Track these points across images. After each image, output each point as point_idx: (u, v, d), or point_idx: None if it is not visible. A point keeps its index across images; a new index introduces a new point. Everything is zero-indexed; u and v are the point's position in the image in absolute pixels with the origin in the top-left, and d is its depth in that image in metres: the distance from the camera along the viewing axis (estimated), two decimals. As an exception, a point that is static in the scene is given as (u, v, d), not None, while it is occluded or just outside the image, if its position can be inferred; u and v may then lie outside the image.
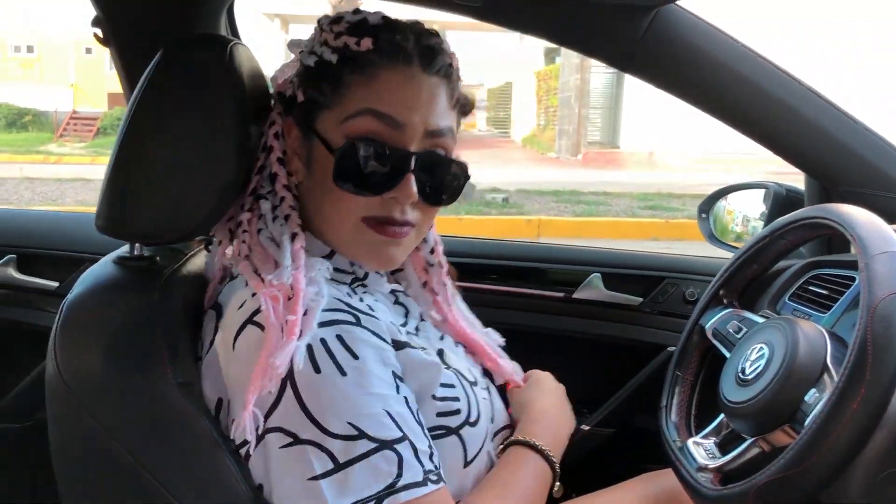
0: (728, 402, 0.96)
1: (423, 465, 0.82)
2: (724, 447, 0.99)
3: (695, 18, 1.23)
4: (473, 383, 0.99)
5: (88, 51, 21.84)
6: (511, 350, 1.17)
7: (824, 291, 1.13)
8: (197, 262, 1.04)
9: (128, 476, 0.85)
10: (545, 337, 1.63)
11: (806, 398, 0.87)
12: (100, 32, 1.25)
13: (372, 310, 0.91)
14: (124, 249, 0.99)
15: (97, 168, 11.38)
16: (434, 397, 0.91)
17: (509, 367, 1.13)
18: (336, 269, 0.94)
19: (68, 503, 0.92)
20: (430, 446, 0.85)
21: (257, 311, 0.83)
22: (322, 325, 0.82)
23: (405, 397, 0.86)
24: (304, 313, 0.82)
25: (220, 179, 0.90)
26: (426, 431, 0.86)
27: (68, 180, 10.17)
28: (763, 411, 0.90)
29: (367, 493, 0.78)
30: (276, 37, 15.28)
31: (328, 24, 0.93)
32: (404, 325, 0.99)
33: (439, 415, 0.91)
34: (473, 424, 0.94)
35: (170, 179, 0.90)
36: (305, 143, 0.93)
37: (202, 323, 0.94)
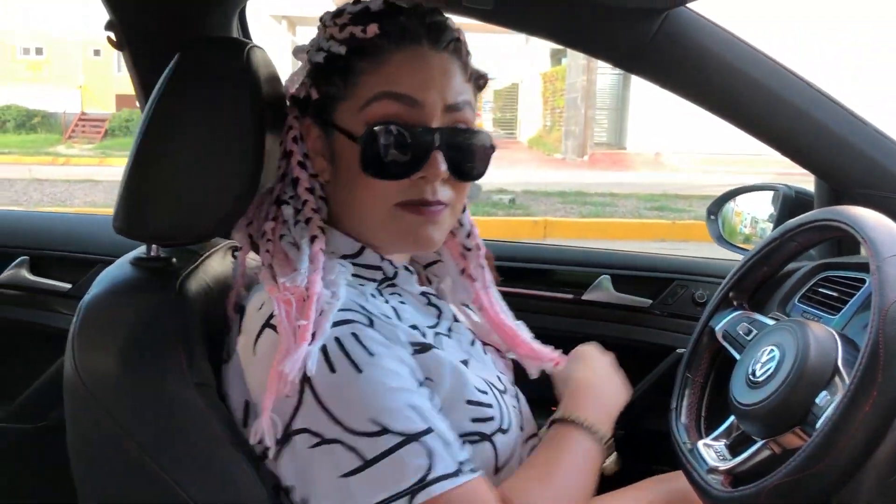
0: (738, 404, 0.96)
1: (454, 456, 0.81)
2: (734, 449, 0.99)
3: (705, 21, 1.23)
4: (503, 391, 0.97)
5: (97, 52, 21.91)
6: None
7: (834, 293, 1.13)
8: (213, 263, 1.05)
9: (144, 475, 0.86)
10: (554, 339, 1.62)
11: (817, 400, 0.87)
12: (113, 36, 1.26)
13: (396, 313, 0.91)
14: (140, 251, 1.00)
15: (105, 169, 11.45)
16: (468, 402, 0.89)
17: (546, 350, 1.11)
18: (364, 267, 0.93)
19: (85, 501, 0.93)
20: (456, 440, 0.84)
21: (273, 315, 0.83)
22: (336, 324, 0.81)
23: (427, 395, 0.85)
24: (320, 314, 0.81)
25: (237, 182, 0.91)
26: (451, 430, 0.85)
27: (77, 182, 10.22)
28: (774, 413, 0.90)
29: (399, 489, 0.77)
30: (283, 38, 15.30)
31: (331, 19, 0.93)
32: (435, 326, 0.98)
33: (474, 420, 0.89)
34: (505, 432, 0.92)
35: (187, 182, 0.91)
36: (327, 139, 0.93)
37: (218, 323, 0.95)
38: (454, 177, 0.91)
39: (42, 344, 1.58)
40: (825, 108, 1.27)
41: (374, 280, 0.95)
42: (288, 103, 0.98)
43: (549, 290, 1.65)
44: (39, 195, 9.22)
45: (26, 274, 1.63)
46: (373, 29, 0.89)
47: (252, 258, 0.99)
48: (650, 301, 1.61)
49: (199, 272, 1.00)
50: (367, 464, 0.77)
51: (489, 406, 0.91)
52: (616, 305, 1.61)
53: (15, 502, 1.65)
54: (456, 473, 0.79)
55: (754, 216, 1.60)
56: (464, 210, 1.04)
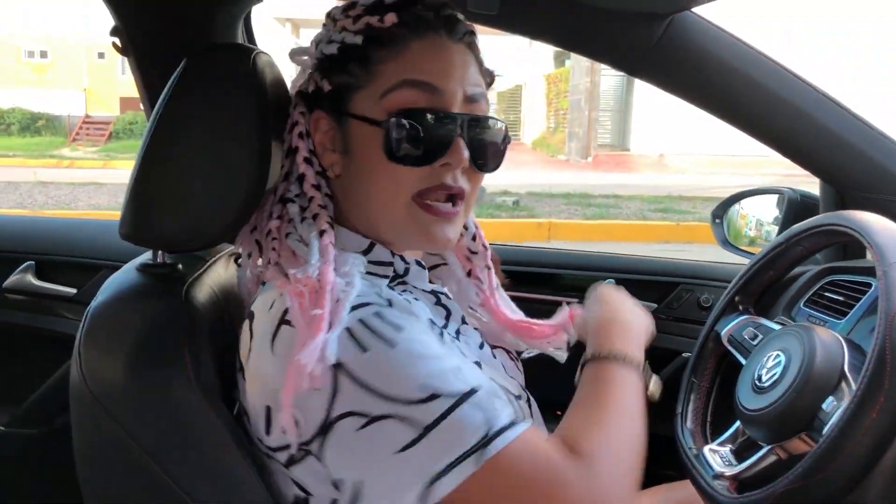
0: (744, 410, 0.96)
1: (505, 408, 0.79)
2: (740, 454, 0.99)
3: (709, 25, 1.23)
4: (518, 397, 0.96)
5: (101, 55, 21.98)
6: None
7: (840, 297, 1.13)
8: (218, 269, 1.05)
9: (149, 480, 0.86)
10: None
11: (823, 406, 0.86)
12: (118, 42, 1.26)
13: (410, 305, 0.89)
14: (147, 256, 1.00)
15: (109, 172, 11.48)
16: None
17: (558, 318, 1.10)
18: (375, 263, 0.92)
19: None
20: (500, 391, 0.82)
21: (287, 310, 0.81)
22: (355, 308, 0.79)
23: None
24: (336, 302, 0.79)
25: (244, 187, 0.91)
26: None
27: (81, 184, 10.25)
28: (780, 419, 0.90)
29: (463, 450, 0.74)
30: (287, 41, 15.33)
31: (341, 13, 0.92)
32: (445, 327, 0.96)
33: None
34: None
35: (194, 188, 0.91)
36: (340, 129, 0.91)
37: (224, 329, 0.94)
38: (473, 166, 0.90)
39: (48, 349, 1.58)
40: (830, 111, 1.27)
41: (385, 276, 0.93)
42: (293, 100, 0.97)
43: (553, 293, 1.65)
44: (44, 198, 9.25)
45: (32, 279, 1.63)
46: (391, 18, 0.88)
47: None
48: (655, 305, 1.61)
49: (205, 278, 1.00)
50: (426, 431, 0.74)
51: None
52: (621, 309, 1.61)
53: (22, 505, 1.65)
54: (512, 425, 0.77)
55: (759, 219, 1.60)
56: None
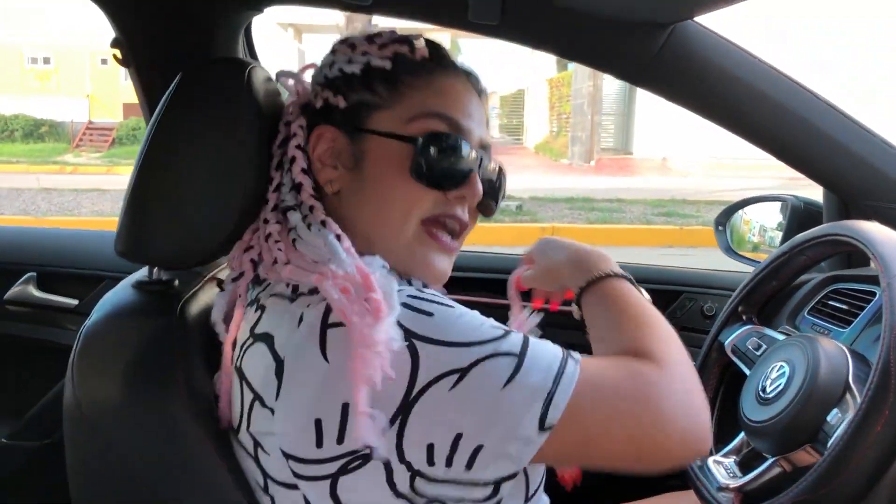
0: (749, 421, 0.96)
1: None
2: (744, 466, 0.99)
3: (711, 34, 1.22)
4: None
5: (104, 62, 22.02)
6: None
7: (844, 306, 1.12)
8: (214, 285, 1.05)
9: (143, 499, 0.86)
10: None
11: (828, 418, 0.86)
12: (119, 53, 1.26)
13: None
14: (142, 273, 1.00)
15: (113, 178, 11.51)
16: None
17: (510, 293, 1.12)
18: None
19: None
20: None
21: (327, 315, 0.77)
22: (401, 293, 0.77)
23: None
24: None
25: (239, 204, 0.90)
26: None
27: (84, 190, 10.27)
28: (785, 431, 0.89)
29: (556, 368, 0.74)
30: (289, 46, 15.38)
31: (364, 41, 0.93)
32: None
33: None
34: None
35: (189, 204, 0.90)
36: (351, 145, 0.90)
37: (219, 347, 0.90)
38: (477, 207, 0.93)
39: (49, 360, 1.58)
40: (833, 120, 1.27)
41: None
42: (292, 113, 0.94)
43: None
44: (47, 204, 9.27)
45: (33, 290, 1.63)
46: (423, 52, 0.91)
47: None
48: (658, 313, 1.60)
49: (201, 295, 0.99)
50: (521, 355, 0.74)
51: None
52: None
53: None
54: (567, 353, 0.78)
55: (763, 224, 1.60)
56: None
